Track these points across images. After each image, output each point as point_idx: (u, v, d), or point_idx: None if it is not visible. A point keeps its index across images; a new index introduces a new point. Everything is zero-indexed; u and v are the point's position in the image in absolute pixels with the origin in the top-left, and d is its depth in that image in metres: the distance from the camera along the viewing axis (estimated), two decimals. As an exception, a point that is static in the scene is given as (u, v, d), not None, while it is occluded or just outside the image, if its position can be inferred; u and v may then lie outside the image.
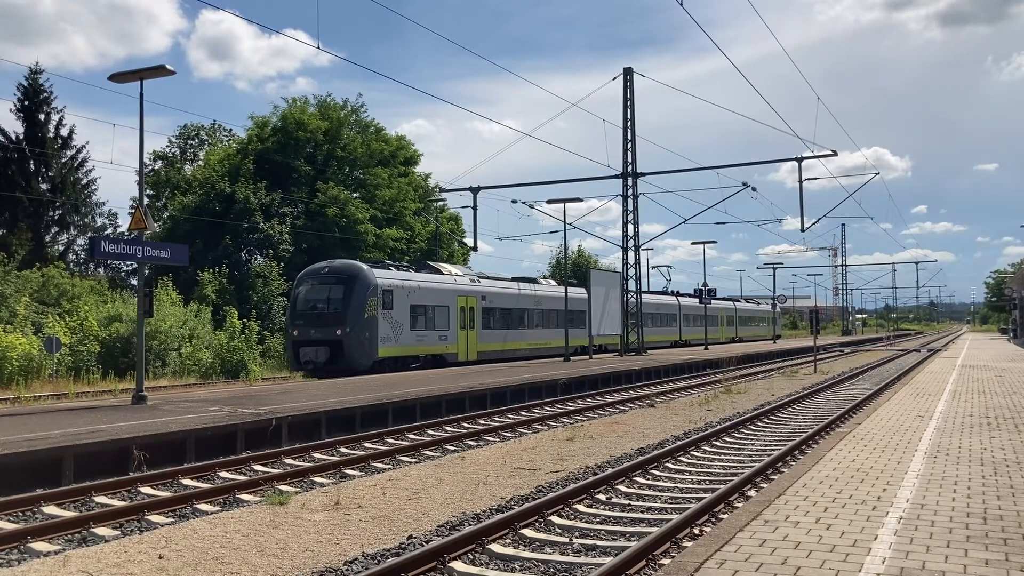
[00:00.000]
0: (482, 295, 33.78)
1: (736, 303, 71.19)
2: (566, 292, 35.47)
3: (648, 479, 11.01)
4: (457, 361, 31.45)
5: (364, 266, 28.98)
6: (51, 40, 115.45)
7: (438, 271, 32.84)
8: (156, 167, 53.46)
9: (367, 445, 14.59)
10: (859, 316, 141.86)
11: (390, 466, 12.46)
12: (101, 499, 10.28)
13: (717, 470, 11.79)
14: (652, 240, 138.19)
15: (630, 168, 38.99)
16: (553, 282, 43.34)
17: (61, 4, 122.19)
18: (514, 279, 40.18)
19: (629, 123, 38.95)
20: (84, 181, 41.30)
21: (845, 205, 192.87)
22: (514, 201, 50.53)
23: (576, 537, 8.14)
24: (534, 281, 40.65)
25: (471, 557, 7.36)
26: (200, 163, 52.69)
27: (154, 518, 9.29)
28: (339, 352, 26.92)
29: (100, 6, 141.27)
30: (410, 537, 7.92)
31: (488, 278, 35.95)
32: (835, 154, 39.01)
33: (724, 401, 20.97)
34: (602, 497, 9.79)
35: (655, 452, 12.40)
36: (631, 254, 40.43)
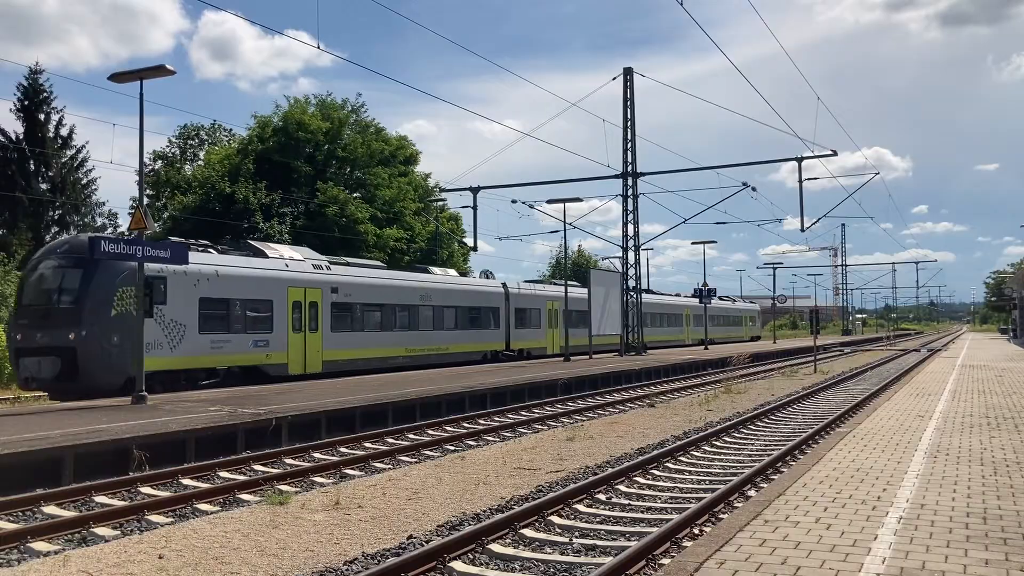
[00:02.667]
0: (332, 286, 26.04)
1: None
2: (472, 286, 31.59)
3: (648, 479, 11.02)
4: (287, 375, 23.80)
5: None
6: (55, 41, 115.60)
7: (261, 253, 24.82)
8: (156, 167, 53.44)
9: (367, 445, 14.59)
10: (859, 316, 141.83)
11: (390, 466, 12.46)
12: (101, 499, 10.28)
13: (717, 470, 11.79)
14: (652, 240, 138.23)
15: (630, 168, 39.00)
16: (453, 272, 37.11)
17: (65, 5, 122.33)
18: (403, 267, 35.26)
19: (629, 123, 38.97)
20: (84, 181, 41.31)
21: (845, 205, 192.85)
22: (514, 201, 50.39)
23: (576, 537, 8.14)
24: (424, 270, 33.57)
25: (471, 557, 7.36)
26: (200, 163, 52.68)
27: (154, 518, 9.29)
28: (72, 365, 18.64)
29: (103, 7, 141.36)
30: (410, 537, 7.92)
31: (350, 264, 28.88)
32: (835, 154, 39.03)
33: (724, 401, 20.97)
34: (602, 497, 9.80)
35: (655, 452, 12.41)
36: (631, 254, 40.44)
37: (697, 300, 62.91)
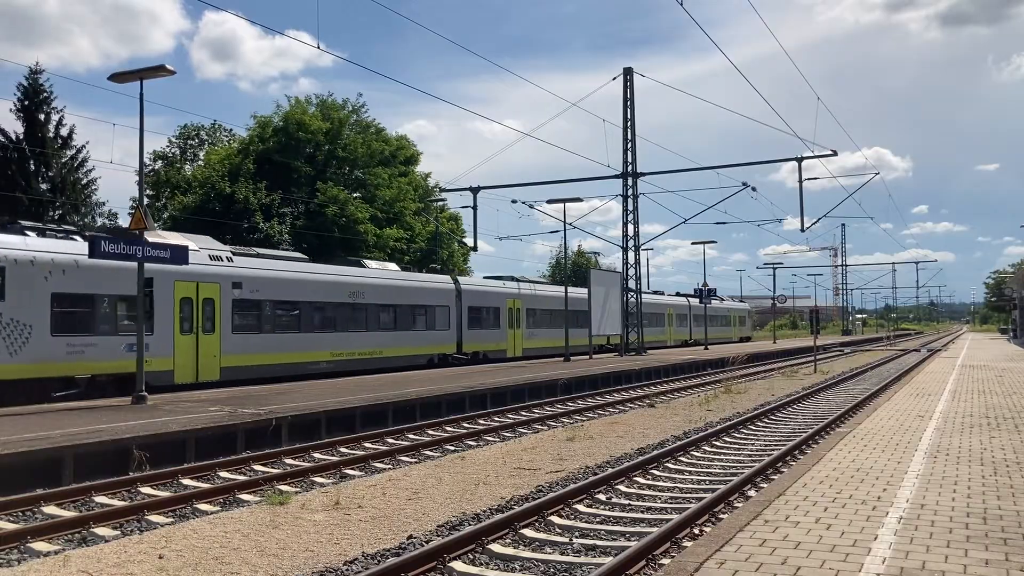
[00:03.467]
0: (234, 280, 22.74)
1: (691, 300, 59.63)
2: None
3: (648, 479, 11.01)
4: (172, 384, 20.53)
5: None
6: (56, 41, 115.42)
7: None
8: (156, 167, 53.45)
9: (367, 445, 14.60)
10: (859, 316, 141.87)
11: (390, 466, 12.46)
12: (101, 499, 10.28)
13: (717, 470, 11.79)
14: (652, 240, 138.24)
15: (630, 168, 39.01)
16: (393, 266, 32.74)
17: (66, 5, 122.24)
18: (335, 260, 30.74)
19: (629, 123, 38.98)
20: (84, 181, 41.22)
21: (845, 205, 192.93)
22: (514, 201, 50.46)
23: (576, 537, 8.14)
24: (357, 263, 30.06)
25: (471, 557, 7.36)
26: (200, 163, 52.70)
27: (154, 518, 9.29)
28: None
29: (104, 7, 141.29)
30: (410, 537, 7.92)
31: (261, 256, 25.27)
32: (835, 154, 39.03)
33: (724, 401, 20.97)
34: (602, 497, 9.80)
35: (655, 452, 12.41)
36: (631, 254, 40.45)
37: (682, 299, 59.75)
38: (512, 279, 39.26)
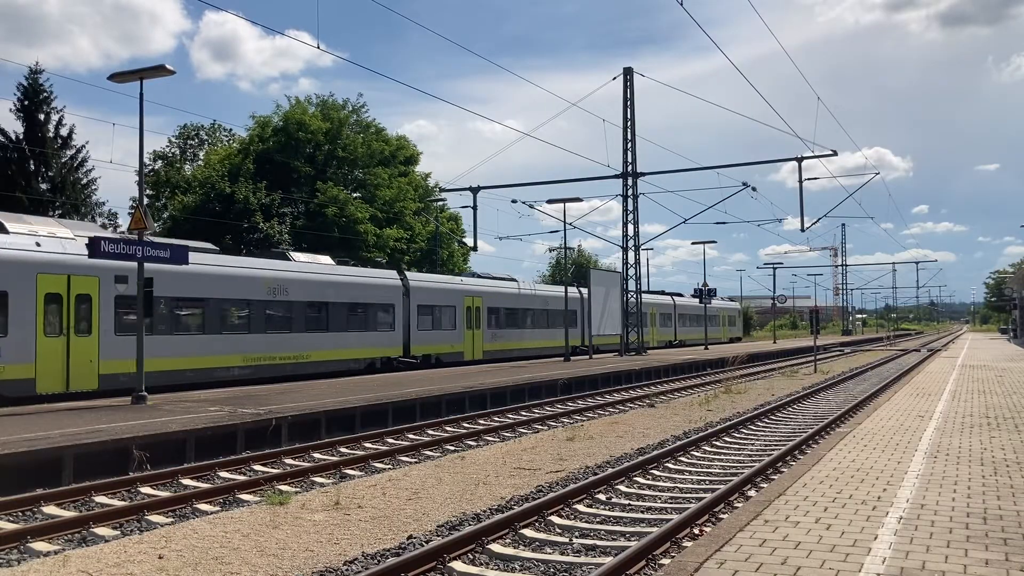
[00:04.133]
0: (118, 274, 19.72)
1: (676, 298, 57.58)
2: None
3: (648, 479, 11.01)
4: (34, 394, 17.95)
5: None
6: (57, 41, 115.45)
7: None
8: (156, 167, 53.46)
9: (367, 445, 14.59)
10: (859, 316, 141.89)
11: (390, 466, 12.46)
12: (101, 499, 10.28)
13: (717, 470, 11.79)
14: (652, 240, 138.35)
15: (630, 168, 39.01)
16: (328, 259, 29.10)
17: (67, 5, 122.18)
18: (256, 252, 29.63)
19: (629, 123, 38.98)
20: (84, 181, 41.23)
21: (845, 205, 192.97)
22: (514, 201, 50.51)
23: (576, 537, 8.14)
24: (283, 256, 27.35)
25: (471, 557, 7.35)
26: (200, 163, 52.72)
27: (154, 518, 9.29)
28: None
29: (105, 7, 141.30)
30: (410, 537, 7.92)
31: None
32: (835, 154, 39.06)
33: (724, 401, 20.97)
34: (602, 497, 9.79)
35: (655, 452, 12.41)
36: (631, 254, 40.45)
37: (666, 297, 56.55)
38: (474, 275, 36.77)
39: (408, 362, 29.82)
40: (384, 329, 28.92)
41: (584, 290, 41.09)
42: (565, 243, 38.88)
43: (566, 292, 35.56)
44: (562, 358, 34.96)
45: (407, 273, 31.53)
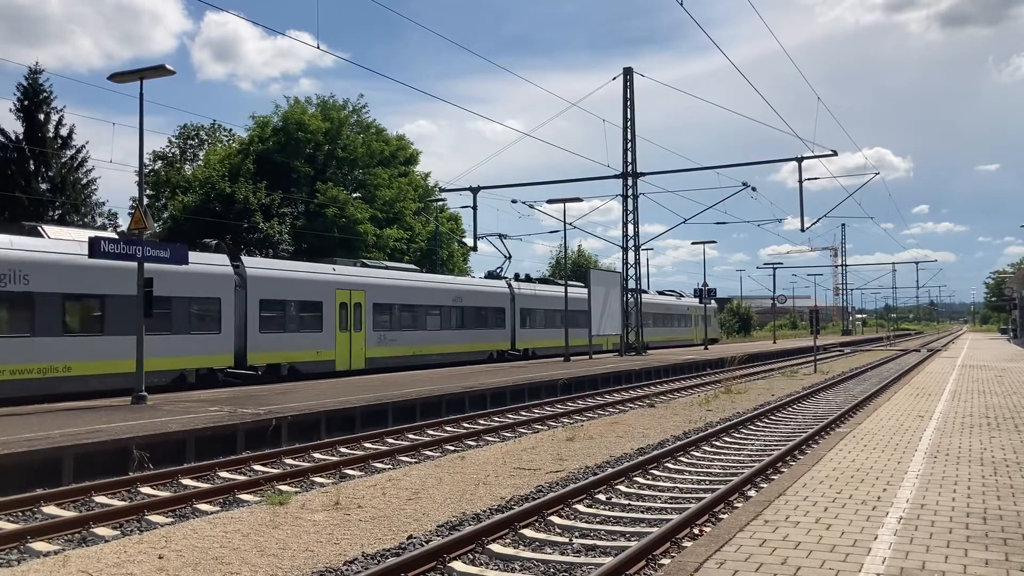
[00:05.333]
0: None
1: (642, 294, 47.06)
2: None
3: (648, 479, 11.01)
4: None
5: None
6: (58, 41, 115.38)
7: None
8: (156, 167, 53.48)
9: (367, 445, 14.60)
10: (859, 316, 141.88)
11: (390, 466, 12.46)
12: (101, 499, 10.28)
13: (717, 470, 11.79)
14: (652, 240, 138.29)
15: (630, 168, 39.02)
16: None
17: (68, 5, 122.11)
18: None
19: (629, 123, 39.00)
20: (84, 181, 41.22)
21: (845, 205, 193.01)
22: (514, 201, 50.50)
23: (576, 537, 8.14)
24: (35, 231, 19.43)
25: (471, 557, 7.35)
26: (200, 163, 52.75)
27: (154, 518, 9.29)
28: None
29: (106, 7, 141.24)
30: (410, 537, 7.92)
31: None
32: (835, 154, 39.12)
33: (724, 401, 20.97)
34: (602, 497, 9.79)
35: (655, 452, 12.40)
36: (631, 254, 40.45)
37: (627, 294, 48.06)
38: (364, 264, 30.56)
39: (243, 373, 23.16)
40: (206, 331, 22.00)
41: (520, 284, 37.71)
42: (565, 243, 38.88)
43: (509, 289, 33.49)
44: (484, 363, 32.02)
45: (245, 259, 24.59)
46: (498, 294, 36.22)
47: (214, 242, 24.79)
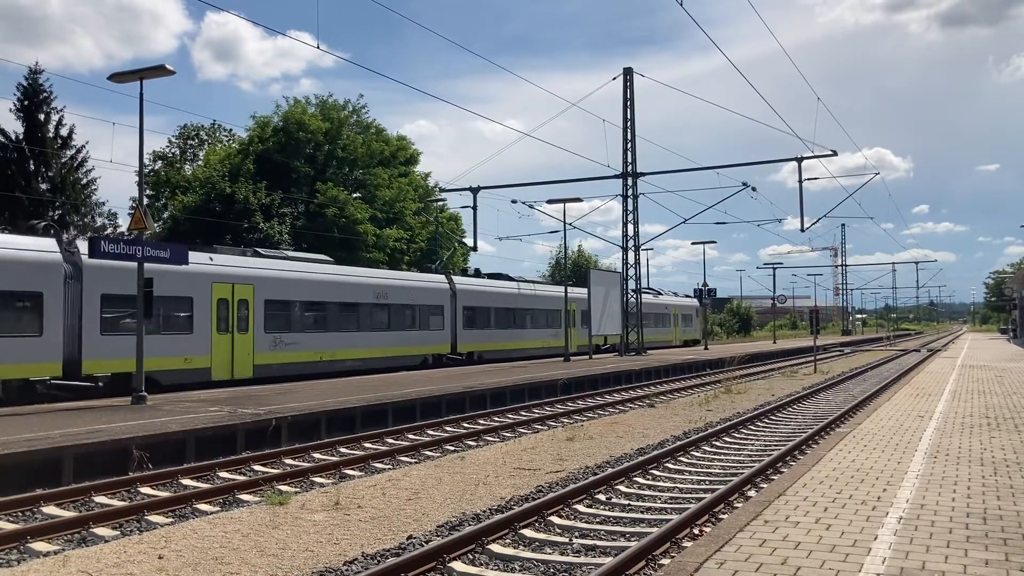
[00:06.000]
0: None
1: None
2: None
3: (648, 479, 11.01)
4: None
5: None
6: (59, 42, 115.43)
7: None
8: (156, 167, 53.49)
9: (367, 445, 14.59)
10: (859, 316, 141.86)
11: (390, 466, 12.46)
12: (101, 499, 10.28)
13: (717, 470, 11.79)
14: (652, 240, 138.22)
15: (630, 168, 39.04)
16: None
17: (69, 6, 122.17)
18: None
19: (629, 123, 39.01)
20: (84, 181, 41.21)
21: (845, 205, 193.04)
22: (514, 201, 50.42)
23: (576, 537, 8.14)
24: None
25: (471, 557, 7.35)
26: (200, 163, 52.78)
27: (154, 518, 9.29)
28: None
29: (107, 8, 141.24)
30: (410, 537, 7.92)
31: None
32: (835, 154, 39.13)
33: (724, 401, 20.96)
34: (602, 497, 9.79)
35: (655, 452, 12.40)
36: (631, 254, 40.46)
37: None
38: (257, 253, 25.91)
39: (76, 387, 18.94)
40: (24, 332, 18.10)
41: (464, 280, 34.91)
42: (565, 243, 38.87)
43: (449, 284, 30.60)
44: (415, 370, 28.77)
45: (81, 243, 19.67)
46: (434, 290, 31.96)
47: (42, 223, 20.13)
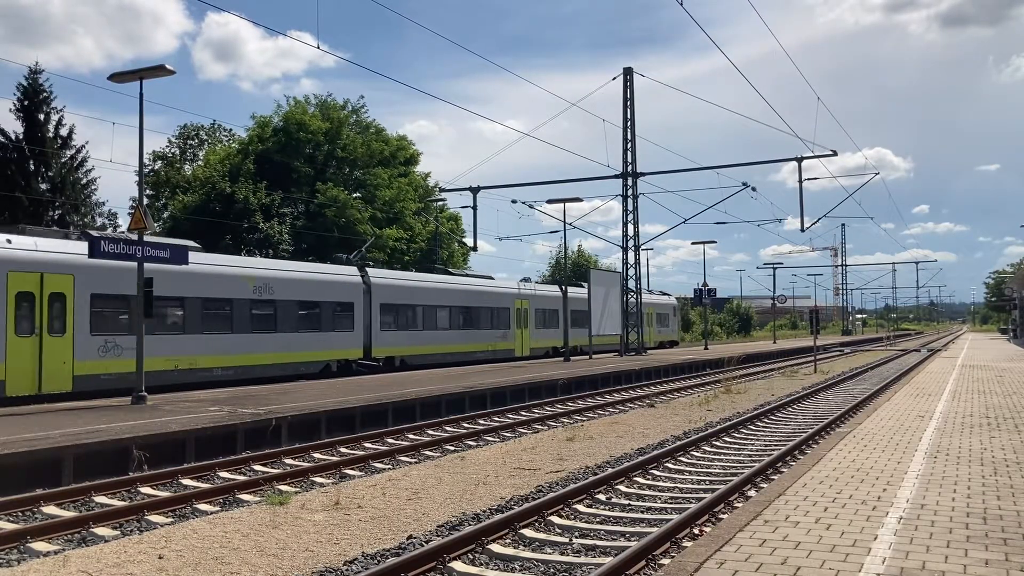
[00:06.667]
0: None
1: (571, 288, 37.85)
2: None
3: (648, 479, 11.01)
4: None
5: None
6: (59, 42, 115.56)
7: None
8: (156, 167, 53.49)
9: (367, 445, 14.59)
10: (859, 316, 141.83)
11: (390, 466, 12.46)
12: (101, 499, 10.28)
13: (717, 470, 11.78)
14: (652, 240, 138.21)
15: (630, 168, 39.02)
16: None
17: (70, 6, 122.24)
18: None
19: (629, 123, 39.00)
20: (84, 181, 41.21)
21: (845, 205, 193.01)
22: (514, 201, 50.51)
23: (576, 537, 8.14)
24: None
25: (471, 557, 7.35)
26: (200, 163, 52.78)
27: (154, 518, 9.29)
28: None
29: (108, 8, 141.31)
30: (410, 537, 7.92)
31: None
32: (835, 154, 39.11)
33: (724, 401, 20.96)
34: (602, 497, 9.79)
35: (655, 452, 12.40)
36: (631, 254, 40.45)
37: (552, 288, 41.12)
38: (86, 236, 20.47)
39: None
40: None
41: (381, 272, 30.82)
42: (565, 243, 38.86)
43: (361, 278, 27.01)
44: (315, 379, 25.00)
45: None
46: (341, 284, 27.31)
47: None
